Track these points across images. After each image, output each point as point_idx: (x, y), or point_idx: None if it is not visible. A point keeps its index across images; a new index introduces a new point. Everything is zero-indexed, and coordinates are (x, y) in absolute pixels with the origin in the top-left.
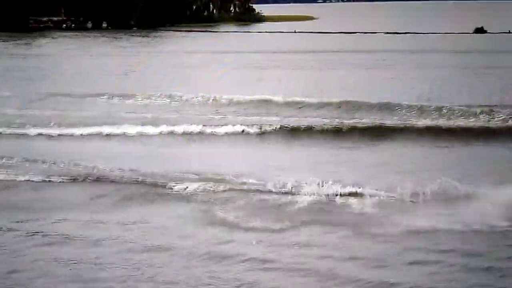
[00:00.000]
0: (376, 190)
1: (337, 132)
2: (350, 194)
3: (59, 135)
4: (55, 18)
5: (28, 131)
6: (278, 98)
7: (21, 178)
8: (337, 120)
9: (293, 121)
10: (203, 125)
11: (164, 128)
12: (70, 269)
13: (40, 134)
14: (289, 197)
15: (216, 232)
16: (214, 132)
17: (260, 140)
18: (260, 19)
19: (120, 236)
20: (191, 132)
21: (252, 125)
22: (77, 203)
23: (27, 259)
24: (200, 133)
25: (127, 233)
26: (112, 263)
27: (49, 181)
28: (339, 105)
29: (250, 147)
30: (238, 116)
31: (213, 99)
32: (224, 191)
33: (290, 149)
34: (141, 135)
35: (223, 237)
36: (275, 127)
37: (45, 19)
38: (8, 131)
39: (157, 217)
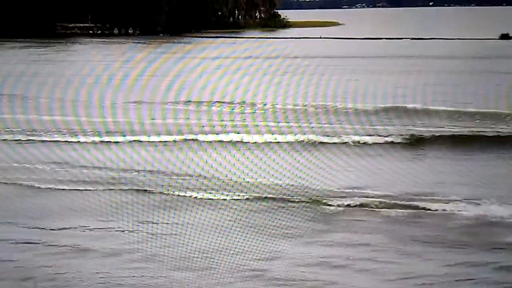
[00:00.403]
0: None
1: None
2: None
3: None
4: (81, 25)
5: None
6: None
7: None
8: (409, 127)
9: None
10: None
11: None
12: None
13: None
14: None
15: (256, 245)
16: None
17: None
18: (285, 25)
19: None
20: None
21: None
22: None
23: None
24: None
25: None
26: (133, 275)
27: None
28: (387, 110)
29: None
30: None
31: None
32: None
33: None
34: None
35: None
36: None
37: (71, 25)
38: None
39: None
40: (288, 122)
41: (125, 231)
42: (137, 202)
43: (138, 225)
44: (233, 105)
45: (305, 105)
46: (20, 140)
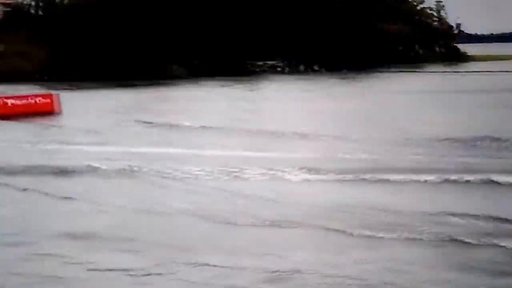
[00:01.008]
0: None
1: None
2: None
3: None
4: (269, 62)
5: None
6: None
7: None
8: None
9: None
10: None
11: None
12: None
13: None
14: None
15: None
16: None
17: None
18: (465, 58)
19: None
20: None
21: None
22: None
23: None
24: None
25: None
26: None
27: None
28: None
29: None
30: None
31: None
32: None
33: None
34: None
35: None
36: None
37: (260, 63)
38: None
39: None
40: None
41: None
42: None
43: None
44: None
45: None
46: None
